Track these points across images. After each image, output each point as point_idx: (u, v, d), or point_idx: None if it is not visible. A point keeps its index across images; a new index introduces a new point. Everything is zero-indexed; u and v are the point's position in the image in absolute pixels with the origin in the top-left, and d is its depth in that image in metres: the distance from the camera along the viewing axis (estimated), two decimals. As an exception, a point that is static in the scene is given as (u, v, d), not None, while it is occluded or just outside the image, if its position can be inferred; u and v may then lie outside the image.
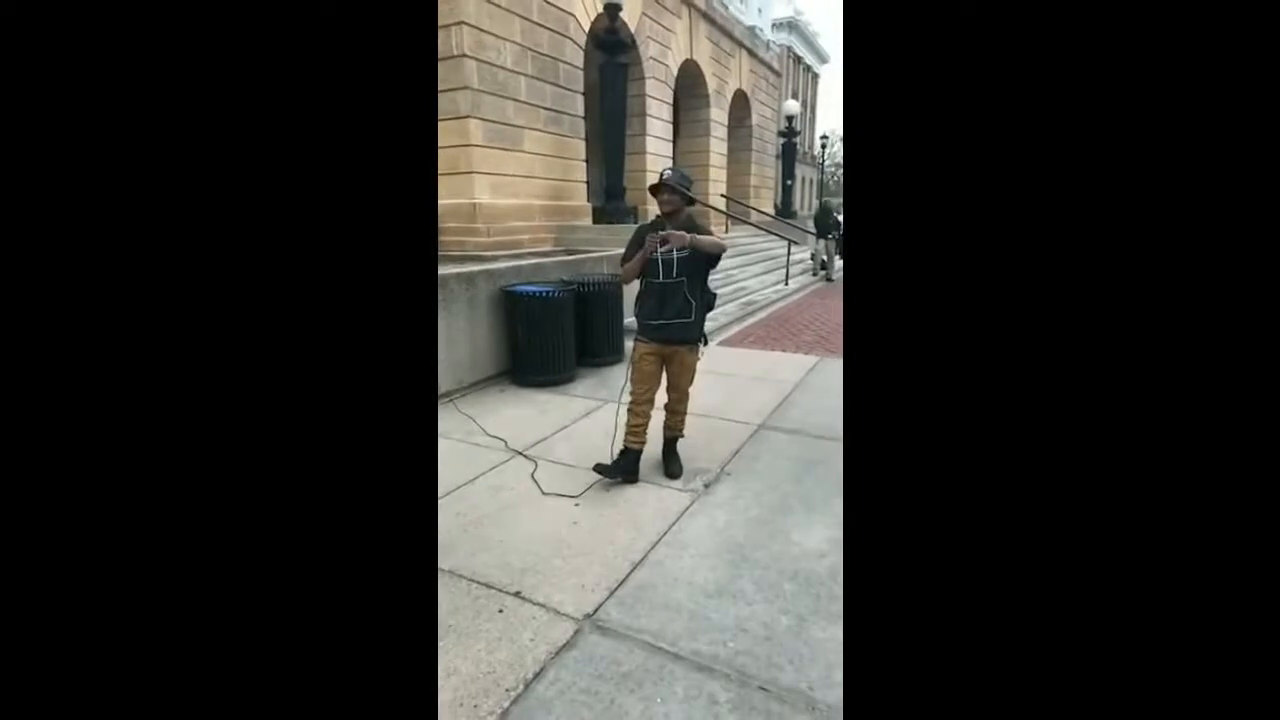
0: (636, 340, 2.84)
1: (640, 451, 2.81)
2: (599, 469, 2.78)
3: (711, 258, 2.69)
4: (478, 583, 2.03)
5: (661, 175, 2.65)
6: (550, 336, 4.31)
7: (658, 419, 2.90)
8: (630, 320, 3.20)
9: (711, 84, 12.16)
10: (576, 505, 2.57)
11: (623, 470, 2.77)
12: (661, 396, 2.85)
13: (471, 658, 1.68)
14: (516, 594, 1.97)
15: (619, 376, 4.21)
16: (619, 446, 2.84)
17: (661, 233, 2.57)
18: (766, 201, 15.78)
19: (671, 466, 2.89)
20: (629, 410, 2.82)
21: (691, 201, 2.72)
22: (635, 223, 7.59)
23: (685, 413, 2.92)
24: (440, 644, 1.73)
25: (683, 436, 2.97)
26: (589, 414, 3.77)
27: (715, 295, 2.98)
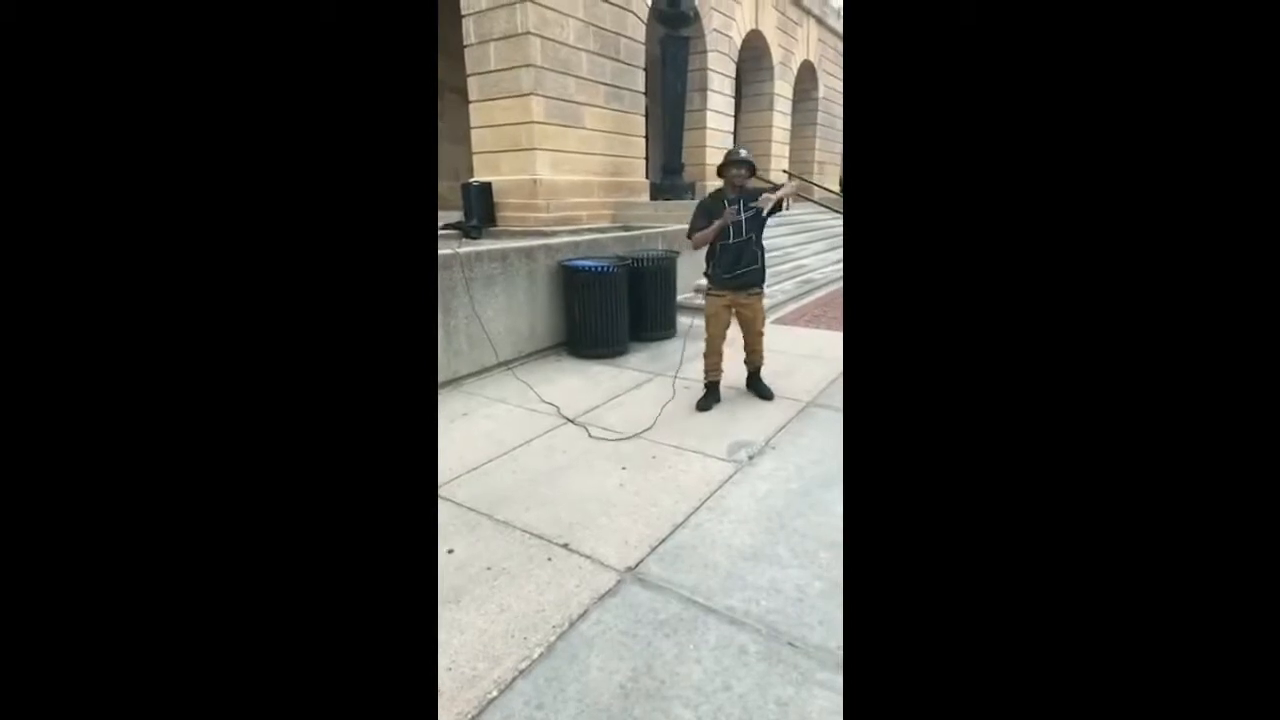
0: (709, 295, 3.51)
1: (719, 380, 3.53)
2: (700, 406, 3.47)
3: (778, 208, 3.30)
4: (530, 533, 2.19)
5: (739, 153, 3.34)
6: (605, 310, 4.43)
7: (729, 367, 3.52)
8: (684, 296, 3.44)
9: (777, 55, 11.82)
10: (624, 469, 2.70)
11: (713, 401, 3.48)
12: (738, 342, 3.51)
13: (523, 597, 1.84)
14: (564, 545, 2.12)
15: (671, 350, 4.30)
16: (700, 386, 3.58)
17: (769, 193, 3.28)
18: (832, 178, 15.30)
19: (762, 391, 3.57)
20: (705, 356, 3.50)
21: (754, 172, 3.42)
22: (692, 199, 7.58)
23: (763, 348, 3.58)
24: (494, 584, 1.91)
25: (763, 364, 3.62)
26: (639, 385, 3.88)
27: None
